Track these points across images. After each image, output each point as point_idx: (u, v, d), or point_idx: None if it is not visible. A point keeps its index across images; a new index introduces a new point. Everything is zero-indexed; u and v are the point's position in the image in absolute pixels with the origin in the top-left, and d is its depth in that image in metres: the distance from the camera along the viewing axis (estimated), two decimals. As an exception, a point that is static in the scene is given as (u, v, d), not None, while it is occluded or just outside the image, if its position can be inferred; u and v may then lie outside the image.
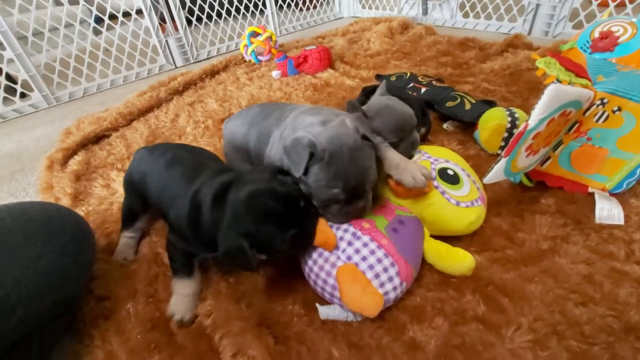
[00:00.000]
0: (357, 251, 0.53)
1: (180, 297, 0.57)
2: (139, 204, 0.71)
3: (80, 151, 1.09)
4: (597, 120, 0.65)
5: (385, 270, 0.51)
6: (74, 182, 0.93)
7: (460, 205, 0.60)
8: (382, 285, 0.50)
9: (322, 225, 0.56)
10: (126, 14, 1.72)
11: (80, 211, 0.82)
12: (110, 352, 0.53)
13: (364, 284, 0.50)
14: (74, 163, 1.01)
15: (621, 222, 0.65)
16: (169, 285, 0.61)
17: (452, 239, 0.62)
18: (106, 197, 0.88)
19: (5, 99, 1.44)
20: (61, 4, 1.53)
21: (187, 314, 0.56)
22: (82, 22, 1.59)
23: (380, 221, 0.57)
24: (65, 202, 0.85)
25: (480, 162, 0.84)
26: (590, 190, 0.71)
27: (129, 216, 0.72)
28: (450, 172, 0.63)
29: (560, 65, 0.68)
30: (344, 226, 0.56)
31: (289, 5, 2.36)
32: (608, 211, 0.67)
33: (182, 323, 0.55)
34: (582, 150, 0.69)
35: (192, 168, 0.63)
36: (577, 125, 0.67)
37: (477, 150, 0.90)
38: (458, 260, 0.56)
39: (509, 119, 0.83)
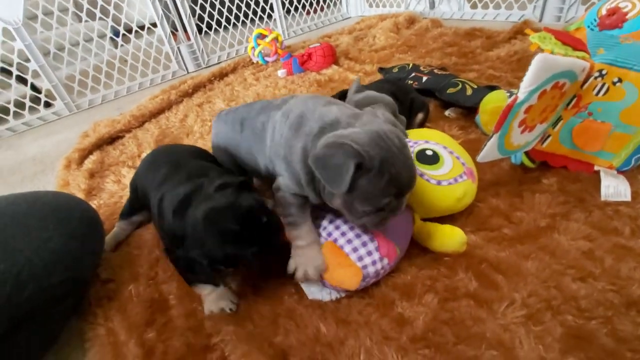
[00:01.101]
0: (337, 227, 0.53)
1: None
2: (136, 203, 0.73)
3: (96, 151, 1.15)
4: (597, 94, 0.63)
5: (364, 244, 0.51)
6: (88, 179, 0.98)
7: (442, 183, 0.59)
8: (360, 259, 0.50)
9: None
10: (141, 26, 1.81)
11: (92, 204, 0.87)
12: (111, 328, 0.55)
13: (341, 258, 0.50)
14: (89, 162, 1.07)
15: (628, 198, 0.62)
16: (168, 269, 0.63)
17: (447, 220, 0.61)
18: (117, 191, 0.92)
19: (30, 107, 1.54)
20: (81, 20, 1.63)
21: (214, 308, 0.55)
22: (100, 35, 1.69)
23: None
24: (79, 197, 0.90)
25: (481, 146, 0.82)
26: (596, 168, 0.68)
27: (127, 210, 0.75)
28: (428, 152, 0.63)
29: (555, 39, 0.66)
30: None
31: (296, 9, 2.40)
32: (614, 188, 0.64)
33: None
34: (584, 126, 0.66)
35: (163, 173, 0.63)
36: (575, 100, 0.65)
37: (478, 134, 0.88)
38: (447, 235, 0.56)
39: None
